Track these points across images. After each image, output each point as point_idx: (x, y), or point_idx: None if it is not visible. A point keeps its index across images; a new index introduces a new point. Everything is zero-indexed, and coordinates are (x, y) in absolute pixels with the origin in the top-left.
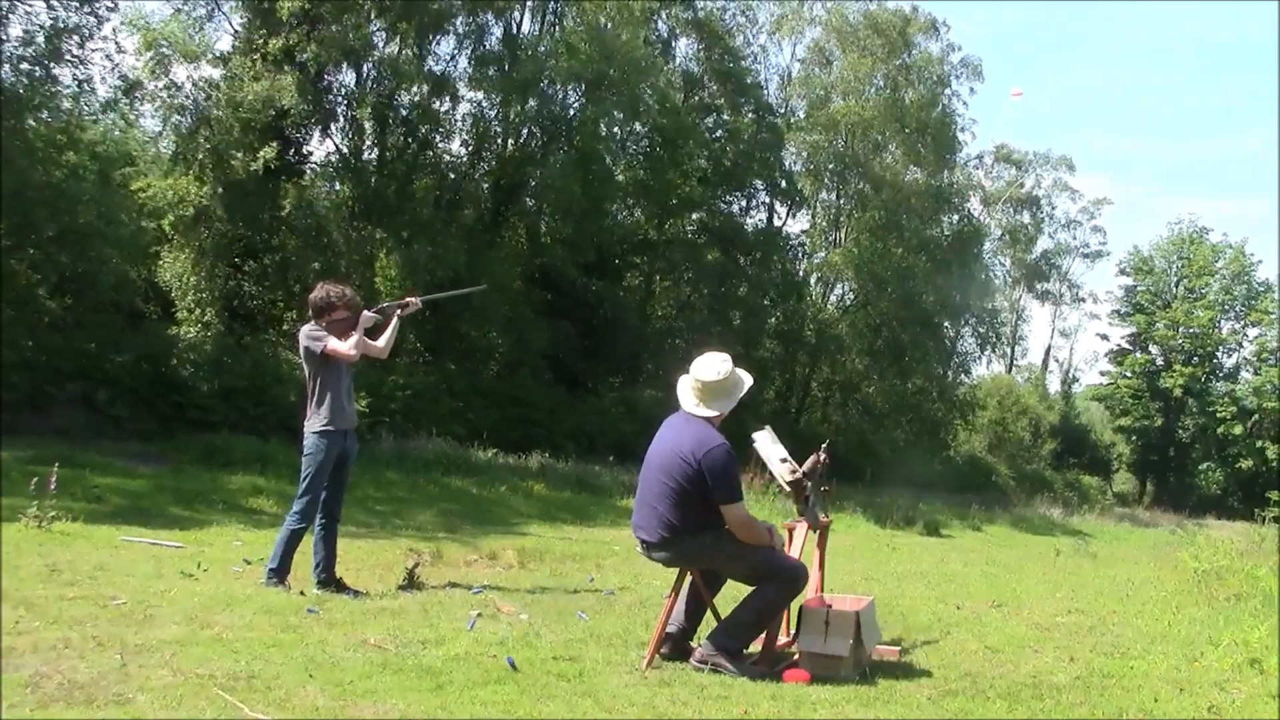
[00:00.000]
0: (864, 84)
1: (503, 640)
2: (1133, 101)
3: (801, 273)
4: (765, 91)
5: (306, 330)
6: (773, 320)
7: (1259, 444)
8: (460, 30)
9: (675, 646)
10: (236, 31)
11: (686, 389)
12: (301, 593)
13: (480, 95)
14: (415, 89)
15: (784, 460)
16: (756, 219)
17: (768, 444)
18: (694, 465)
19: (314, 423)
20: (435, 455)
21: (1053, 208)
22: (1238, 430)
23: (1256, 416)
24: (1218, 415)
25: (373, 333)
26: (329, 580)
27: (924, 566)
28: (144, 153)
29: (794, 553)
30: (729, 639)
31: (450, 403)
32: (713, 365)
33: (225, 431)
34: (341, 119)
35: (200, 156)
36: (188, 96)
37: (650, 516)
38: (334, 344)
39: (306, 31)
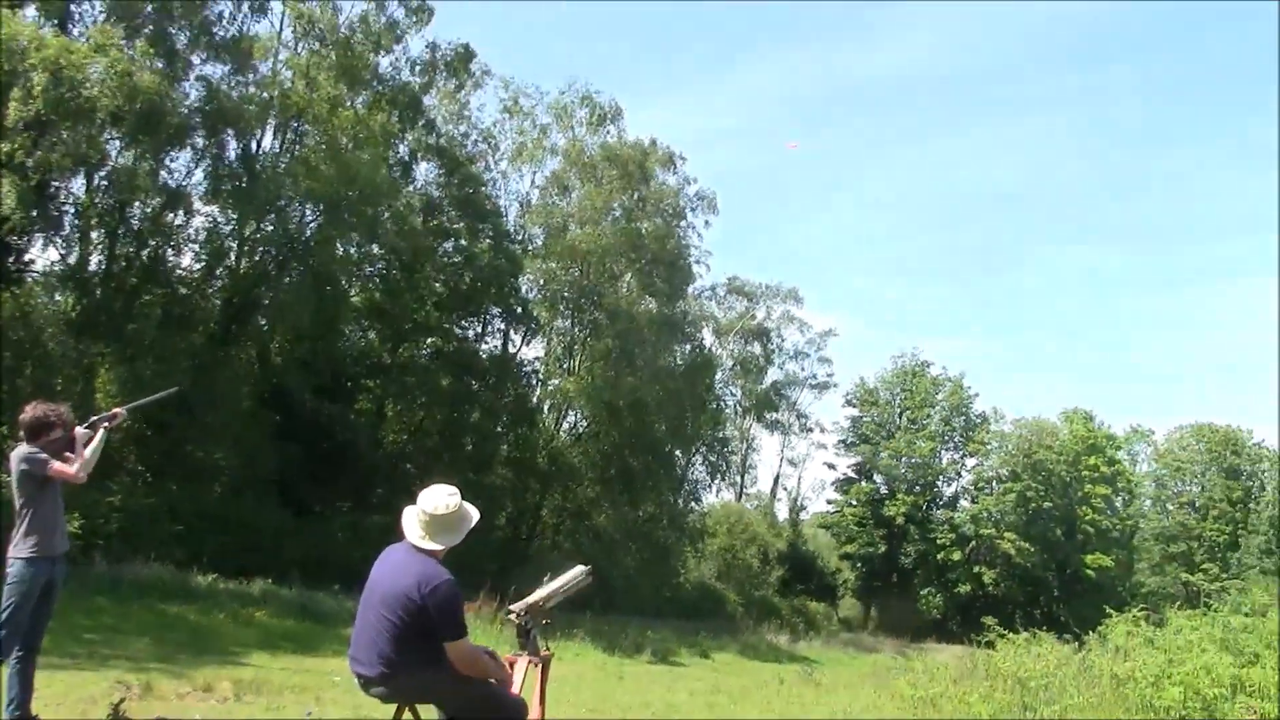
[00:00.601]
0: (601, 214)
1: None
2: (866, 244)
3: (535, 400)
4: (505, 219)
5: (22, 453)
6: (505, 447)
7: (976, 569)
8: (199, 144)
9: None
10: None
11: (412, 520)
12: None
13: (216, 210)
14: (149, 201)
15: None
16: (492, 345)
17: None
18: (418, 601)
19: (22, 548)
20: (152, 580)
21: (781, 339)
22: (956, 556)
23: (974, 543)
24: (938, 542)
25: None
26: (24, 718)
27: (650, 696)
28: None
29: (515, 686)
30: None
31: (171, 525)
32: (440, 498)
33: None
34: (68, 228)
35: None
36: None
37: (369, 651)
38: (59, 466)
39: (33, 138)
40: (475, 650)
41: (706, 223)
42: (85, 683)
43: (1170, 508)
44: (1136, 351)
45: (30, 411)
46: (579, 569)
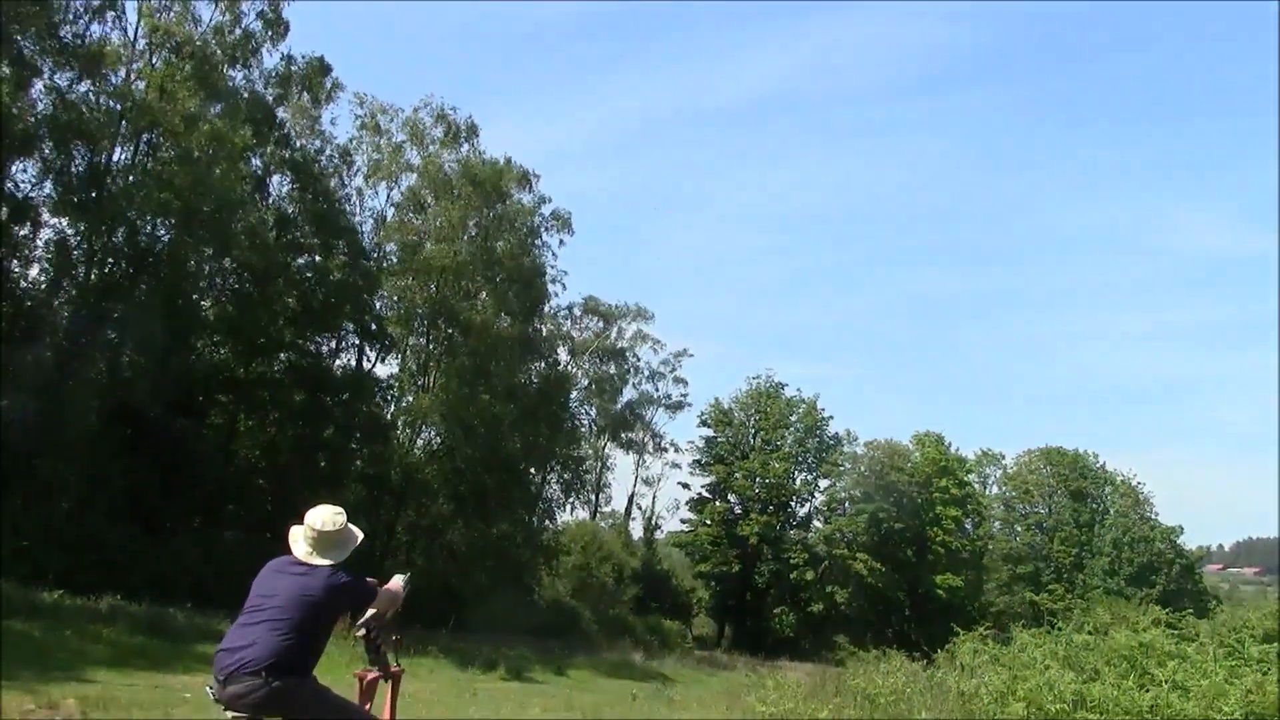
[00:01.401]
0: (457, 231)
1: None
2: (722, 265)
3: (389, 416)
4: (360, 234)
5: None
6: (358, 463)
7: (829, 589)
8: (47, 154)
9: None
10: None
11: (299, 538)
12: None
13: (64, 222)
14: None
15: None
16: (346, 361)
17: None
18: (324, 596)
19: None
20: None
21: (637, 359)
22: (809, 576)
23: (826, 563)
24: (791, 562)
25: None
26: None
27: (503, 712)
28: None
29: (368, 703)
30: None
31: (14, 541)
32: (327, 515)
33: None
34: None
35: None
36: None
37: (254, 648)
38: None
39: None
40: (384, 591)
41: (561, 242)
42: None
43: (1018, 529)
44: (987, 375)
45: None
46: (401, 577)
